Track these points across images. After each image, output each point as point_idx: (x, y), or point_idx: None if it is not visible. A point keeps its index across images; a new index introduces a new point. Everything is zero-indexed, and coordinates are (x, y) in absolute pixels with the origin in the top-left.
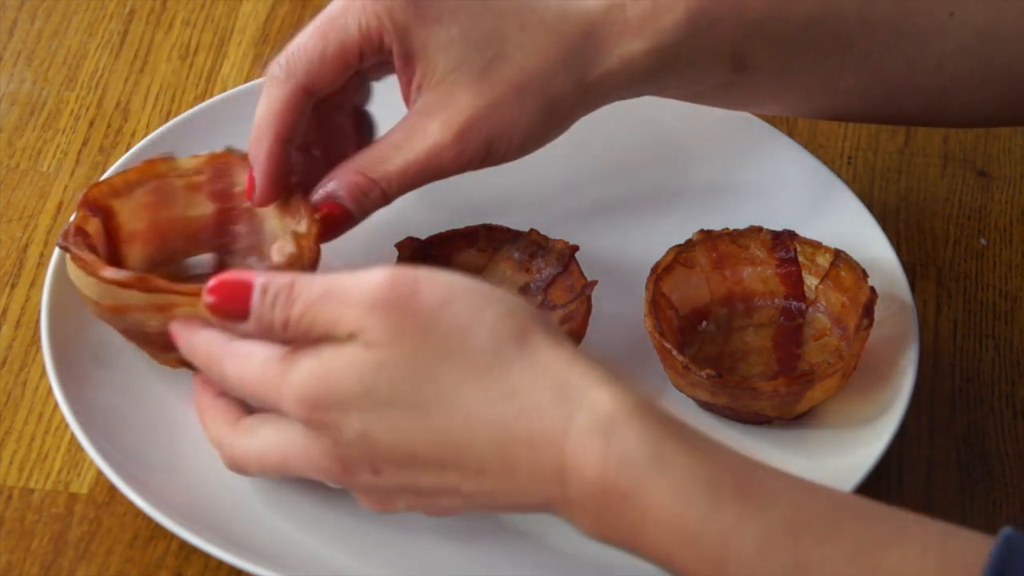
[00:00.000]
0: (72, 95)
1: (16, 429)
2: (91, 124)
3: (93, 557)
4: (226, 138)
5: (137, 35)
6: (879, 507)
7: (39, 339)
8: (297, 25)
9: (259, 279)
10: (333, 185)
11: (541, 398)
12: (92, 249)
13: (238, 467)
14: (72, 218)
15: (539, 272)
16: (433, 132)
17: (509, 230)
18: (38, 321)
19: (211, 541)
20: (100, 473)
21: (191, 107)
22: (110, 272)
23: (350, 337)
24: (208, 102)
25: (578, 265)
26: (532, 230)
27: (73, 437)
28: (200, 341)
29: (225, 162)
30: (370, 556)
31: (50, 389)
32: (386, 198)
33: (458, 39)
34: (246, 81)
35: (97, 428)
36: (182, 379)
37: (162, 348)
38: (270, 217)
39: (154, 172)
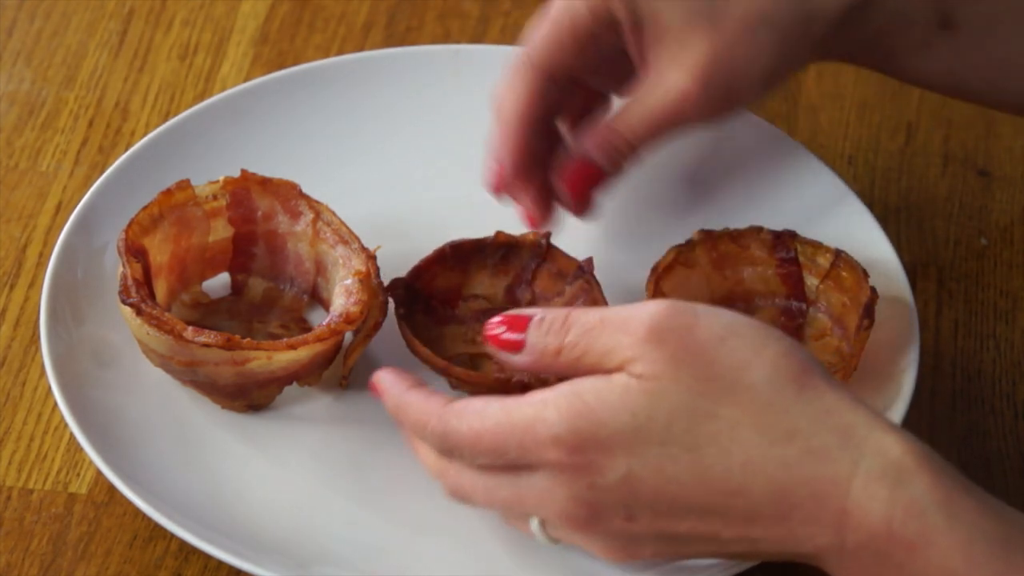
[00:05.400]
0: (71, 95)
1: (15, 429)
2: (90, 124)
3: (92, 557)
4: (226, 138)
5: (136, 35)
6: None
7: (38, 339)
8: (297, 25)
9: (538, 314)
10: (581, 145)
11: (826, 440)
12: (153, 298)
13: (462, 497)
14: (121, 269)
15: (518, 270)
16: (673, 78)
17: (473, 240)
18: (37, 321)
19: (210, 541)
20: (99, 473)
21: (190, 107)
22: (193, 334)
23: (620, 367)
24: (207, 102)
25: (561, 251)
26: (498, 232)
27: (72, 437)
28: (413, 400)
29: (244, 187)
30: (371, 556)
31: (49, 389)
32: (632, 148)
33: None
34: (245, 81)
35: (96, 428)
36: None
37: (230, 396)
38: (300, 240)
39: (172, 202)
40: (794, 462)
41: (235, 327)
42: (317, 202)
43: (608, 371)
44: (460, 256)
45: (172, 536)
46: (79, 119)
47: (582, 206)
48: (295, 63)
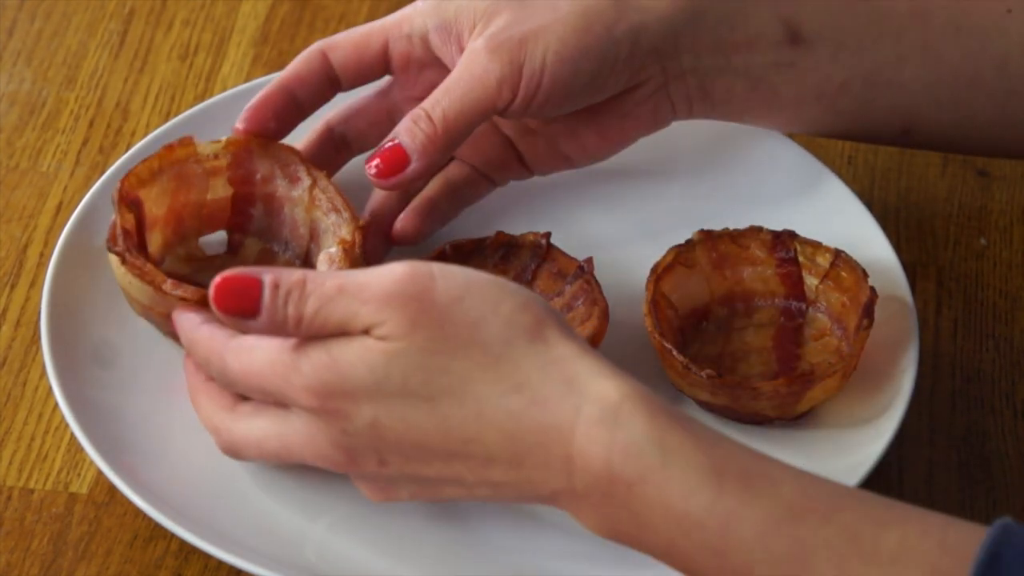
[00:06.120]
0: (72, 95)
1: (16, 429)
2: (91, 124)
3: (93, 557)
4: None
5: (137, 35)
6: (879, 497)
7: (39, 339)
8: (297, 25)
9: (267, 276)
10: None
11: (550, 390)
12: (137, 248)
13: (234, 451)
14: (114, 218)
15: (518, 270)
16: (468, 50)
17: (473, 240)
18: (38, 321)
19: (211, 541)
20: (100, 473)
21: (191, 107)
22: (171, 287)
23: (364, 331)
24: (208, 102)
25: (561, 251)
26: (498, 232)
27: (73, 437)
28: (202, 335)
29: (246, 148)
30: (370, 556)
31: (50, 389)
32: (434, 125)
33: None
34: (246, 81)
35: (97, 428)
36: (183, 379)
37: None
38: (296, 205)
39: (174, 157)
40: (521, 412)
41: None
42: (316, 169)
43: (353, 333)
44: (460, 256)
45: (172, 536)
46: (80, 119)
47: (392, 181)
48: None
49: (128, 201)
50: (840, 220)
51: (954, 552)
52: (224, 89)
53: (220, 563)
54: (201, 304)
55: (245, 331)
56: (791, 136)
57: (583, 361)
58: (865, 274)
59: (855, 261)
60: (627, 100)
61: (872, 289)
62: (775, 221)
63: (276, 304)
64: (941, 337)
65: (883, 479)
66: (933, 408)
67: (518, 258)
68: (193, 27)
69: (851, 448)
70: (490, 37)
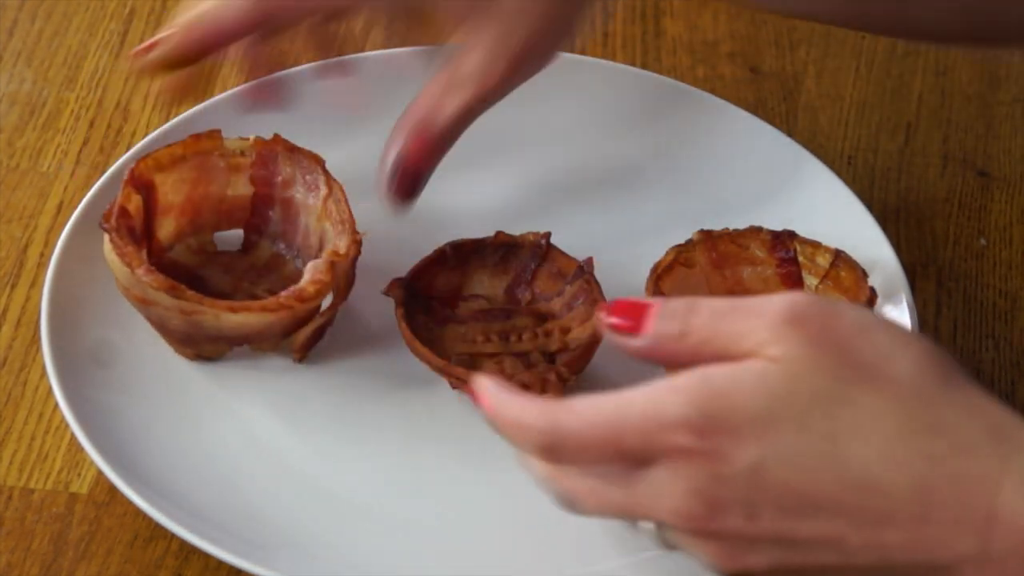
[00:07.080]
0: (72, 95)
1: (16, 429)
2: (91, 124)
3: (93, 557)
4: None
5: (137, 35)
6: None
7: (39, 339)
8: None
9: (656, 301)
10: (403, 145)
11: (974, 436)
12: (131, 229)
13: (571, 503)
14: (117, 197)
15: (518, 270)
16: (472, 64)
17: (474, 240)
18: (38, 321)
19: (211, 541)
20: (100, 473)
21: (191, 107)
22: (143, 273)
23: (751, 352)
24: (208, 102)
25: (561, 251)
26: (498, 232)
27: (73, 437)
28: (516, 405)
29: (272, 149)
30: (370, 556)
31: (50, 389)
32: (448, 139)
33: None
34: (246, 81)
35: (97, 428)
36: (182, 379)
37: (180, 341)
38: (311, 214)
39: (199, 148)
40: (940, 456)
41: (225, 281)
42: (335, 181)
43: (737, 357)
44: (460, 256)
45: (173, 536)
46: (80, 119)
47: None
48: (295, 63)
49: (138, 183)
50: (840, 220)
51: None
52: (224, 89)
53: (220, 563)
54: (168, 292)
55: (625, 349)
56: (792, 136)
57: (1006, 411)
58: (865, 274)
59: (855, 261)
60: None
61: (872, 289)
62: (775, 221)
63: (662, 319)
64: (941, 337)
65: None
66: None
67: (518, 258)
68: None
69: None
70: (501, 53)
